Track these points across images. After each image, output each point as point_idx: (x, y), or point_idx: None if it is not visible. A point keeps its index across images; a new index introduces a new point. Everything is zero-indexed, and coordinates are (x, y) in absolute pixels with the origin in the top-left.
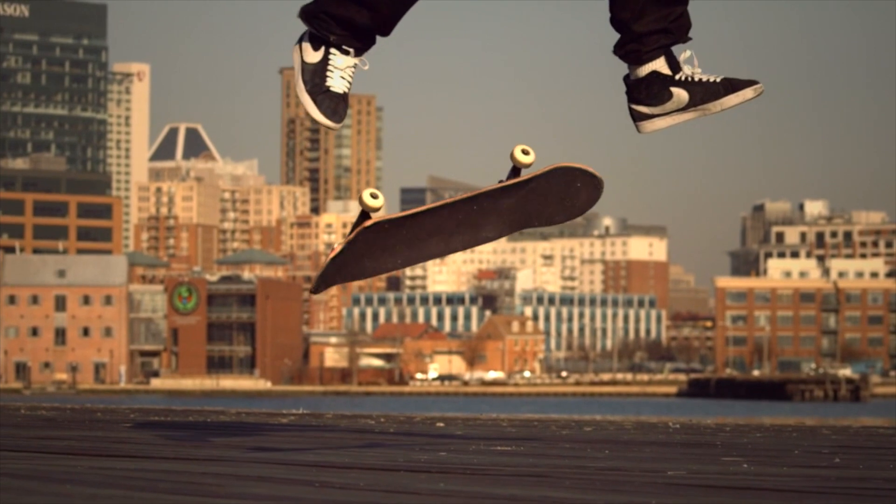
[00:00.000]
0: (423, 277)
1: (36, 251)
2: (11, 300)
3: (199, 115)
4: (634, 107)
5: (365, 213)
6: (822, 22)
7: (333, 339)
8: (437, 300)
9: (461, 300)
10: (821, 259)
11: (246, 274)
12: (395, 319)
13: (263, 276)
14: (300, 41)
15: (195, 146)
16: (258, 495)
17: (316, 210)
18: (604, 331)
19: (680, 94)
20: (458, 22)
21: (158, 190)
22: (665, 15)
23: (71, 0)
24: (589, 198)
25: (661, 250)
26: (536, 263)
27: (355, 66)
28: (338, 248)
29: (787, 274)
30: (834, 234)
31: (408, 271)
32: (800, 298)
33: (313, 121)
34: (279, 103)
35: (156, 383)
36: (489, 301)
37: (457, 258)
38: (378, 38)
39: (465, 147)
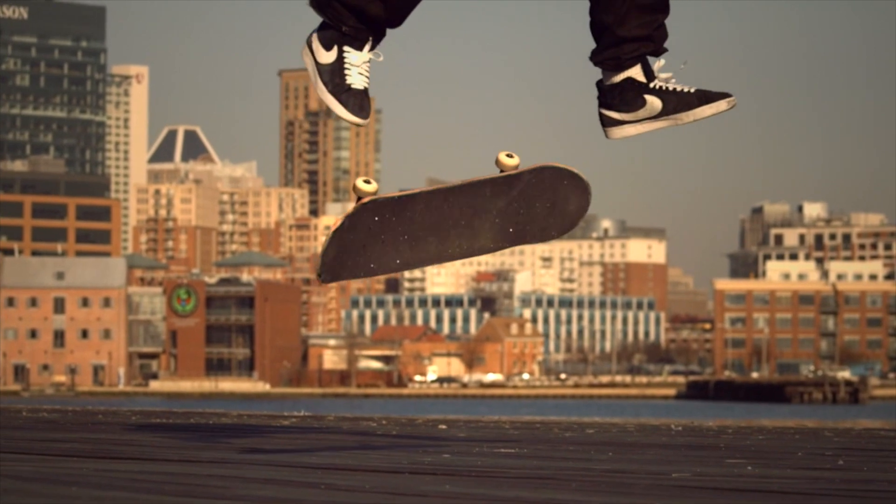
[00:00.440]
0: (422, 279)
1: (35, 253)
2: (10, 302)
3: (197, 117)
4: (606, 112)
5: (360, 200)
6: (821, 22)
7: (332, 342)
8: (436, 302)
9: (460, 302)
10: (819, 261)
11: (245, 276)
12: (393, 321)
13: (262, 278)
14: (309, 43)
15: (194, 148)
16: (264, 497)
17: (315, 212)
18: (602, 333)
19: (653, 102)
20: (457, 23)
21: (157, 192)
22: (648, 22)
23: (69, 2)
24: (579, 205)
25: (660, 252)
26: (535, 265)
27: (370, 60)
28: (338, 220)
29: (786, 276)
30: (833, 237)
31: (406, 273)
32: (798, 301)
33: (342, 119)
34: (278, 105)
35: (154, 385)
36: (488, 303)
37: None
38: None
39: (463, 149)
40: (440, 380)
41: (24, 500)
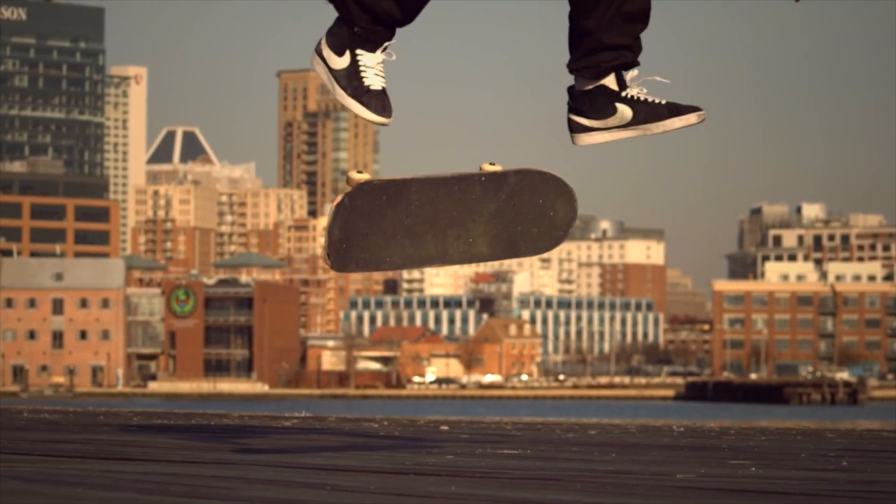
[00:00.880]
0: (421, 280)
1: (33, 254)
2: (9, 303)
3: (196, 118)
4: (575, 118)
5: None
6: (821, 22)
7: (331, 343)
8: (435, 303)
9: (458, 303)
10: (818, 262)
11: (243, 277)
12: (392, 323)
13: (261, 279)
14: (319, 52)
15: (192, 149)
16: (269, 499)
17: (313, 213)
18: (601, 334)
19: (624, 111)
20: (457, 23)
21: (156, 193)
22: (630, 31)
23: (68, 3)
24: (567, 212)
25: (659, 253)
26: (534, 266)
27: (383, 60)
28: (339, 197)
29: (785, 277)
30: (831, 238)
31: (405, 274)
32: (797, 302)
33: (366, 121)
34: (276, 106)
35: (153, 386)
36: (486, 304)
37: None
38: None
39: (463, 149)
40: (439, 381)
41: (30, 500)
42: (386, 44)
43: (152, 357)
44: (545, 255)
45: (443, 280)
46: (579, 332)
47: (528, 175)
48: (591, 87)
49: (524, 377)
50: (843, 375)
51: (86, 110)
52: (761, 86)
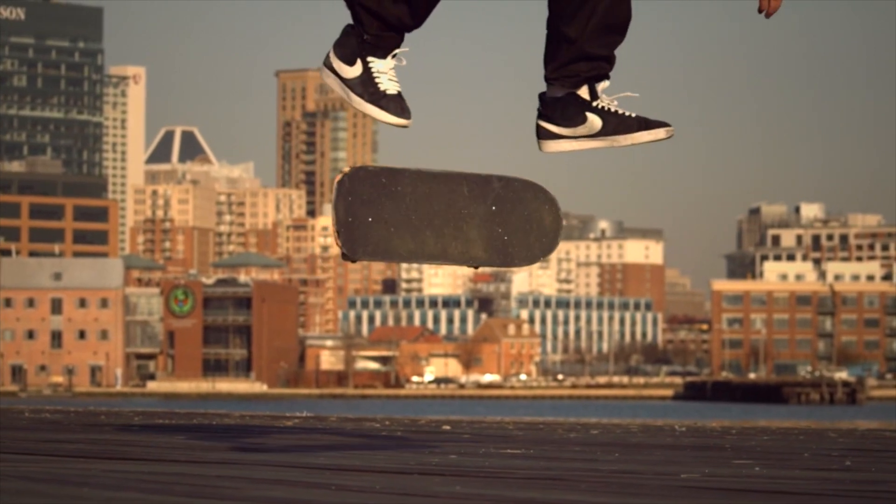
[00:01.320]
0: (419, 280)
1: (32, 254)
2: (7, 303)
3: (195, 118)
4: (544, 124)
5: None
6: (821, 22)
7: (329, 342)
8: (433, 303)
9: (457, 303)
10: (817, 262)
11: (242, 277)
12: (390, 322)
13: (259, 279)
14: (328, 65)
15: (191, 149)
16: (276, 498)
17: (312, 213)
18: (600, 334)
19: (594, 121)
20: (457, 23)
21: (154, 193)
22: (611, 43)
23: (67, 3)
24: (553, 222)
25: (658, 253)
26: (532, 266)
27: (395, 66)
28: (339, 175)
29: (784, 277)
30: (830, 237)
31: (404, 274)
32: (796, 301)
33: (387, 125)
34: (275, 106)
35: (152, 386)
36: (485, 304)
37: None
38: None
39: (462, 149)
40: (437, 380)
41: (36, 500)
42: (396, 50)
43: (151, 357)
44: None
45: (441, 280)
46: (578, 332)
47: (509, 182)
48: (563, 94)
49: (523, 377)
50: (842, 375)
51: (84, 110)
52: (760, 86)
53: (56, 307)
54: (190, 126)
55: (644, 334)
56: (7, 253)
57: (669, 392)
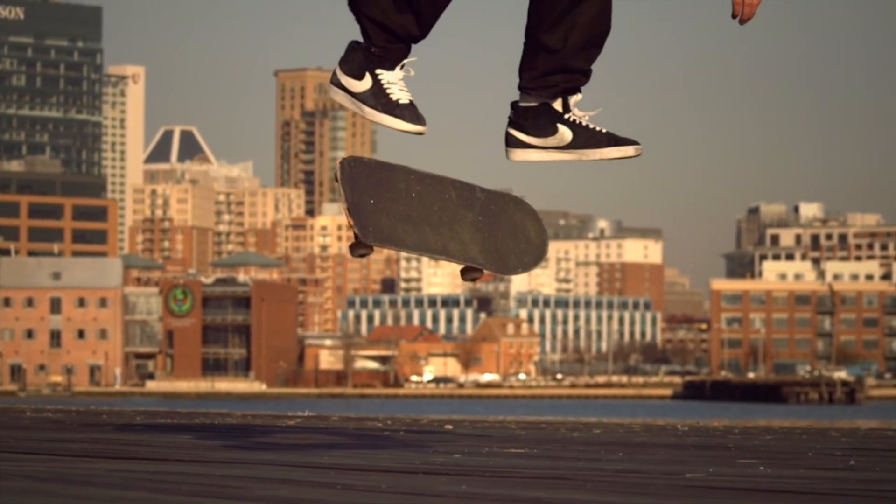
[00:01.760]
0: (418, 280)
1: (31, 254)
2: (7, 303)
3: (194, 118)
4: (514, 133)
5: None
6: (821, 22)
7: (328, 342)
8: (432, 302)
9: (456, 302)
10: (816, 261)
11: (241, 276)
12: (389, 322)
13: (258, 278)
14: (336, 82)
15: (190, 148)
16: (283, 498)
17: (311, 212)
18: (599, 333)
19: (565, 133)
20: (457, 23)
21: (153, 192)
22: (590, 56)
23: (66, 2)
24: (538, 234)
25: (657, 253)
26: None
27: (404, 76)
28: (339, 161)
29: (783, 276)
30: (829, 237)
31: (403, 273)
32: (795, 301)
33: (403, 133)
34: (274, 106)
35: (151, 386)
36: (484, 303)
37: None
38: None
39: (461, 149)
40: (436, 380)
41: (43, 500)
42: (404, 61)
43: (150, 356)
44: None
45: (440, 279)
46: (577, 332)
47: (492, 194)
48: (536, 104)
49: (522, 376)
50: (841, 374)
51: (83, 109)
52: (759, 85)
53: (55, 307)
54: (189, 125)
55: (643, 334)
56: (6, 252)
57: (668, 391)
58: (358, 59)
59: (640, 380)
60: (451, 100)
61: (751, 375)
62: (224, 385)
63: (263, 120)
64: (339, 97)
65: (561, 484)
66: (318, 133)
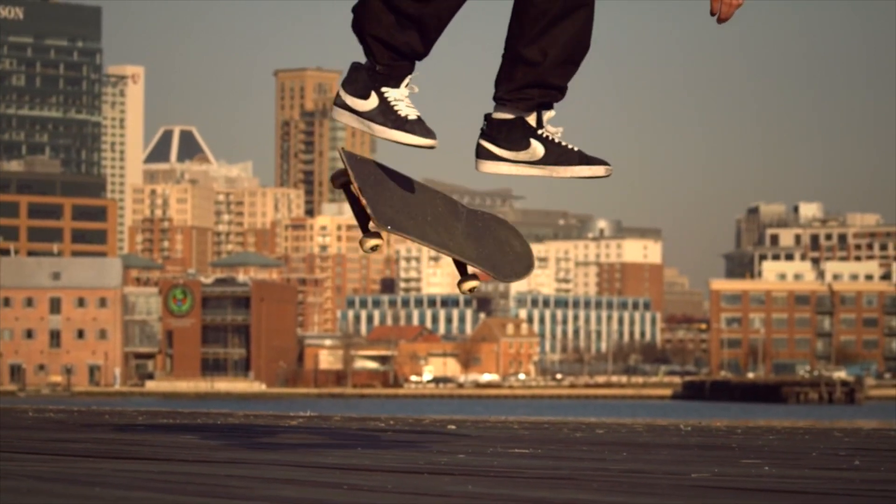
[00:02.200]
0: (418, 280)
1: (31, 254)
2: (6, 302)
3: (193, 118)
4: (486, 144)
5: None
6: (821, 22)
7: (328, 342)
8: (432, 302)
9: (455, 302)
10: (815, 261)
11: (240, 276)
12: (389, 322)
13: (258, 278)
14: (341, 104)
15: (190, 148)
16: (288, 498)
17: (310, 212)
18: (598, 333)
19: (537, 148)
20: (456, 23)
21: (153, 192)
22: (568, 72)
23: (65, 2)
24: (522, 246)
25: (656, 253)
26: None
27: (409, 94)
28: (340, 148)
29: (782, 276)
30: (829, 237)
31: (402, 273)
32: (794, 301)
33: (415, 147)
34: (273, 106)
35: (150, 385)
36: (484, 303)
37: (451, 260)
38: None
39: (461, 150)
40: (436, 380)
41: (47, 500)
42: (408, 78)
43: (150, 356)
44: (542, 255)
45: (440, 279)
46: (576, 332)
47: (474, 212)
48: (511, 117)
49: (521, 376)
50: (841, 374)
51: (83, 109)
52: (759, 85)
53: (55, 307)
54: (188, 125)
55: (643, 334)
56: (6, 252)
57: (668, 391)
58: (362, 79)
59: (640, 380)
60: (451, 101)
61: (750, 375)
62: (224, 385)
63: (263, 120)
64: (346, 118)
65: (565, 484)
66: (318, 133)
